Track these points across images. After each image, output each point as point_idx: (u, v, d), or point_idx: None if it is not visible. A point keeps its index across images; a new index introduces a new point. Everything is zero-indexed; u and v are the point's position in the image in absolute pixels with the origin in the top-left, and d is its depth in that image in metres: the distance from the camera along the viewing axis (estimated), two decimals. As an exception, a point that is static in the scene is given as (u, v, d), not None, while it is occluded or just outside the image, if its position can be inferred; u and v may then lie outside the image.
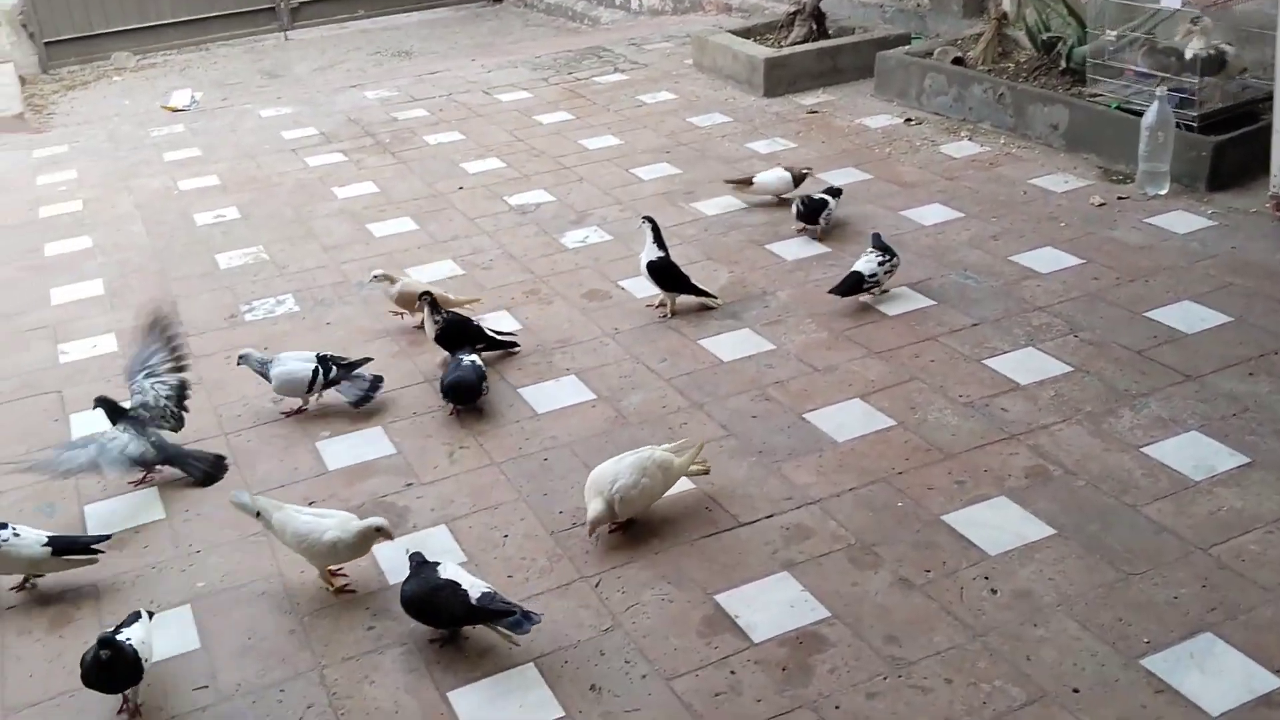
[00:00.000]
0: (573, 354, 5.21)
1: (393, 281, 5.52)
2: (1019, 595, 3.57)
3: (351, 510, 4.17)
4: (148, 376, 4.61)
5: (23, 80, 11.13)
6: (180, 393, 4.63)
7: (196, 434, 4.76)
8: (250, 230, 6.90)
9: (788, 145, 7.67)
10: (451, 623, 3.50)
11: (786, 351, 5.09)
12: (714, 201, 6.81)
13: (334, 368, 4.84)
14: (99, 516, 4.29)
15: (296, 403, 4.88)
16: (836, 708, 3.21)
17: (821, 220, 6.12)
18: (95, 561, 3.94)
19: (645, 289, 5.76)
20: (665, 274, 5.42)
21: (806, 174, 6.57)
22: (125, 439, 4.34)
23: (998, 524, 3.88)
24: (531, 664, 3.42)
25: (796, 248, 6.10)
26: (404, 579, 3.58)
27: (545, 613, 3.61)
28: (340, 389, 4.85)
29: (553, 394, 4.89)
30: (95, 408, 4.50)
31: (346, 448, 4.62)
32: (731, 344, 5.18)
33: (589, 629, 3.55)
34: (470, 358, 4.79)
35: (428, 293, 5.20)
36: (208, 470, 4.44)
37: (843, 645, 3.42)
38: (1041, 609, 3.50)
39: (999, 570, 3.67)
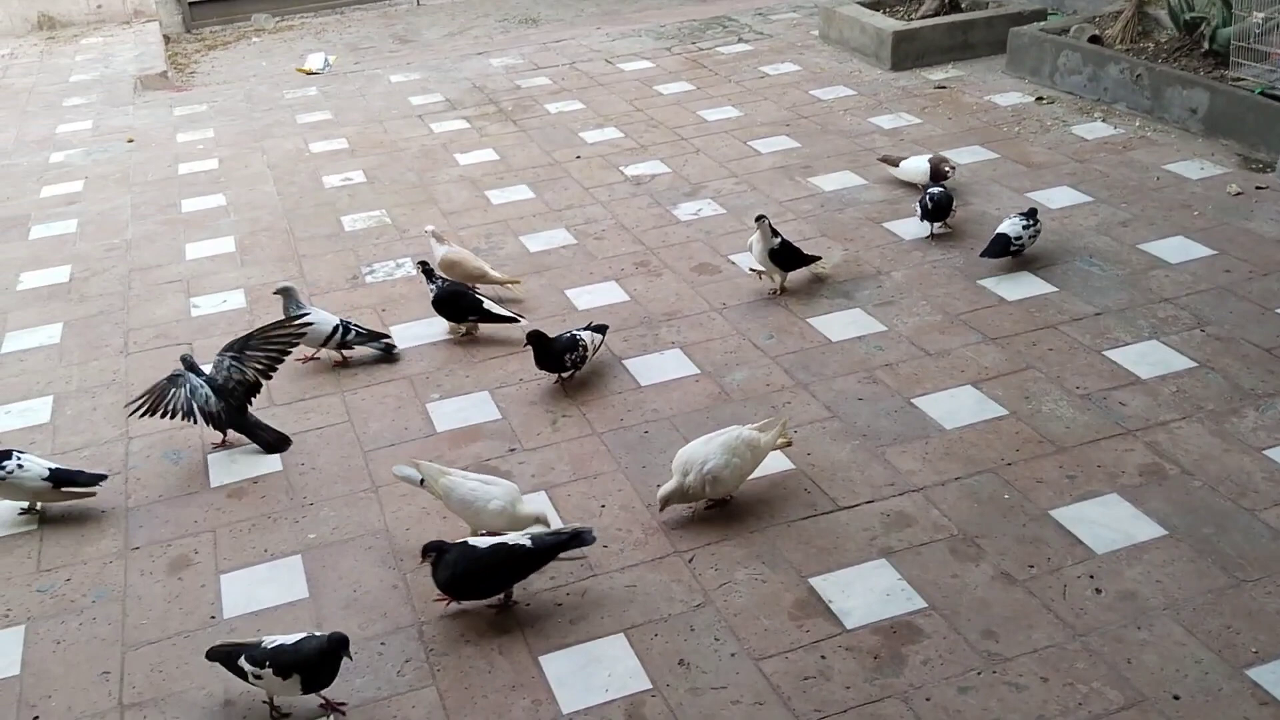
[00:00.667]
0: (679, 327, 5.22)
1: (441, 240, 5.67)
2: (1124, 596, 3.47)
3: (457, 473, 4.29)
4: (235, 359, 4.63)
5: (166, 39, 11.52)
6: (250, 389, 4.62)
7: (315, 389, 4.93)
8: (375, 194, 7.06)
9: (912, 121, 7.52)
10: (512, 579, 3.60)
11: (898, 333, 5.02)
12: (832, 177, 6.73)
13: (352, 330, 5.07)
14: (220, 465, 4.47)
15: (309, 351, 5.09)
16: (927, 700, 3.17)
17: (938, 223, 5.88)
18: (94, 494, 4.24)
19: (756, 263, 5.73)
20: (784, 255, 5.33)
21: (949, 173, 6.39)
22: (208, 392, 4.50)
23: (1107, 522, 3.78)
24: (622, 634, 3.46)
25: (915, 227, 5.99)
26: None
27: (639, 584, 3.65)
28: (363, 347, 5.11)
29: (657, 367, 4.92)
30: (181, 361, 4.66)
31: (454, 410, 4.72)
32: (841, 323, 5.13)
33: (680, 604, 3.57)
34: (578, 331, 4.82)
35: (423, 262, 5.39)
36: (273, 441, 4.55)
37: (937, 637, 3.38)
38: (1146, 611, 3.41)
39: (1105, 569, 3.58)
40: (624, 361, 4.97)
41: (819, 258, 5.49)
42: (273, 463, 4.47)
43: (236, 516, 4.16)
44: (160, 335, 5.52)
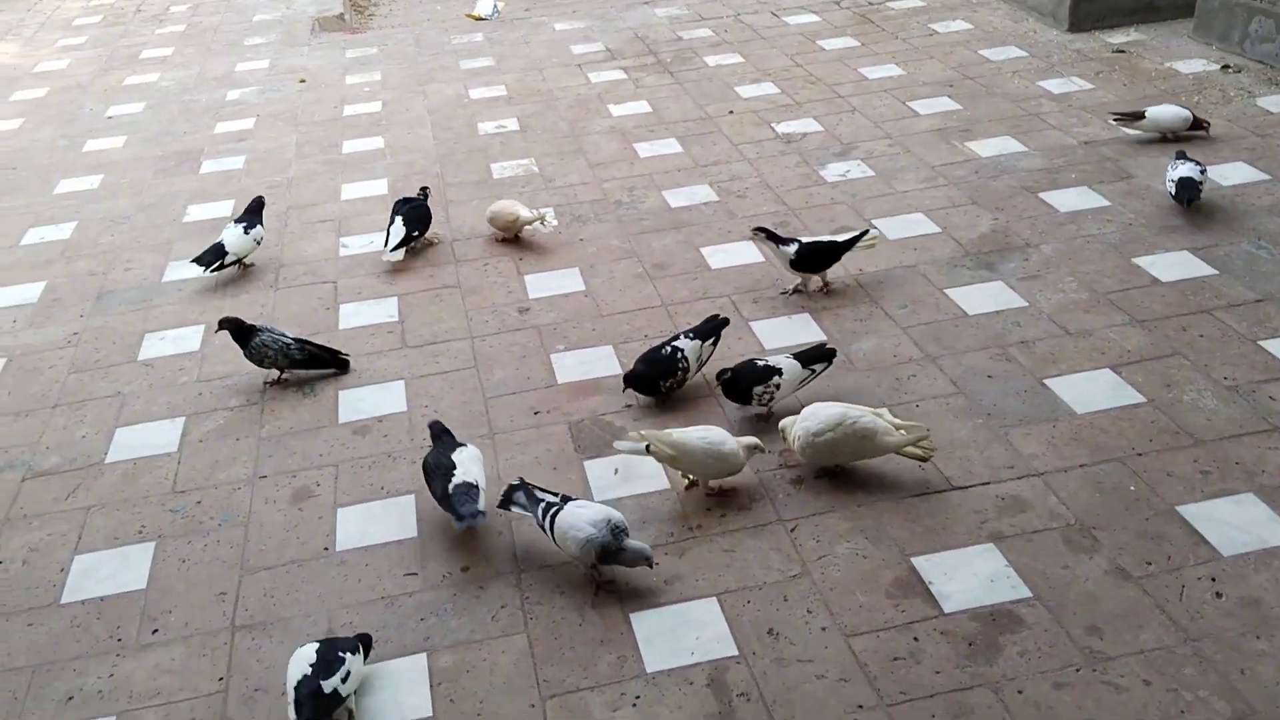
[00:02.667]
0: (811, 293, 5.11)
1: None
2: (1246, 603, 3.26)
3: (571, 425, 4.33)
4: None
5: (348, -17, 11.87)
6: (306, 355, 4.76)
7: (447, 334, 5.04)
8: (526, 142, 7.13)
9: (1084, 86, 7.14)
10: (435, 498, 3.84)
11: (1039, 310, 4.80)
12: (990, 142, 6.46)
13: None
14: (350, 402, 4.63)
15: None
16: (1019, 693, 3.06)
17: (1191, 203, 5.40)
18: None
19: (899, 230, 5.57)
20: (812, 259, 4.99)
21: (1208, 125, 6.05)
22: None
23: (1239, 523, 3.55)
24: (714, 599, 3.45)
25: (1074, 198, 5.71)
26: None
27: (737, 550, 3.63)
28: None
29: (783, 330, 4.84)
30: (218, 330, 4.78)
31: (577, 363, 4.76)
32: (980, 296, 4.94)
33: (777, 573, 3.53)
34: (680, 345, 4.43)
35: (424, 187, 5.94)
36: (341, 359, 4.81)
37: (1038, 629, 3.25)
38: (1269, 621, 3.19)
39: (1229, 573, 3.37)
40: (750, 324, 4.91)
41: (864, 233, 5.08)
42: (398, 402, 4.60)
43: (359, 453, 4.31)
44: (308, 272, 5.73)
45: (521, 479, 3.77)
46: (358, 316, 5.26)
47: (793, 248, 4.98)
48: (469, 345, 4.97)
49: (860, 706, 3.05)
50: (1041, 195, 5.79)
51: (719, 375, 4.28)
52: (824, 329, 4.82)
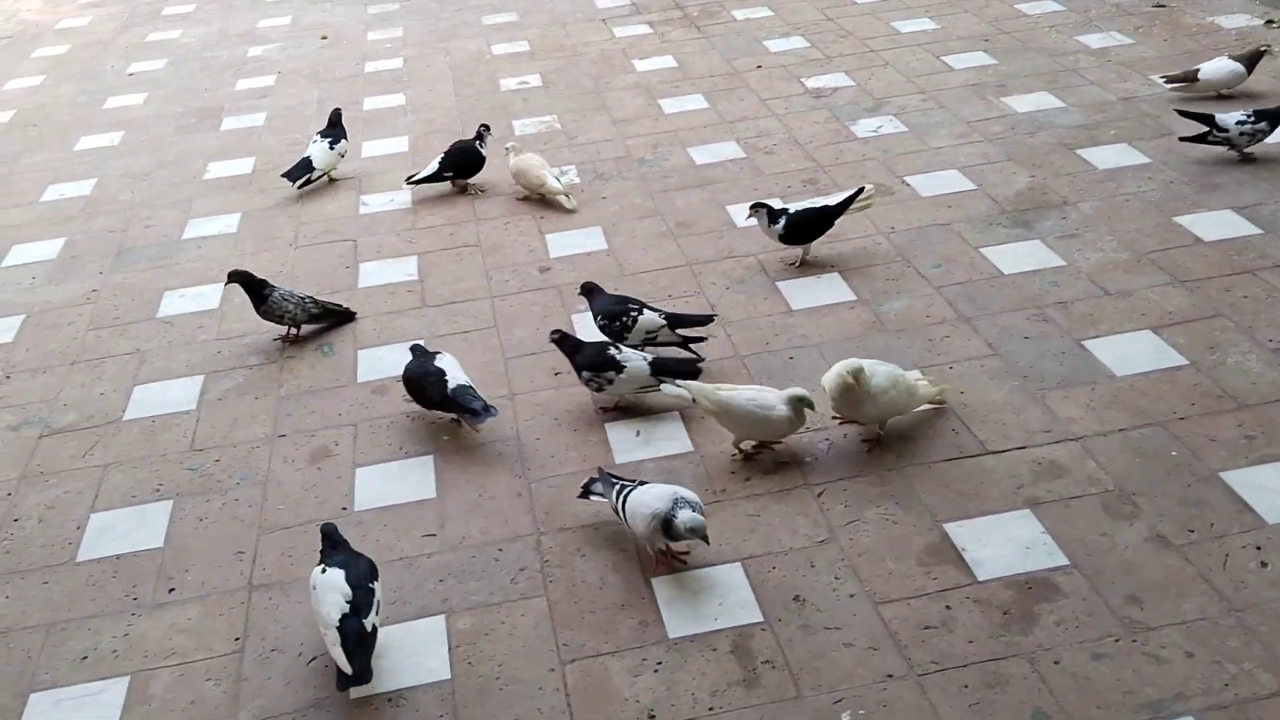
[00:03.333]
0: (840, 250, 4.99)
1: (518, 153, 5.71)
2: (1294, 574, 3.14)
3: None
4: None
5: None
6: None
7: (467, 294, 4.95)
8: (548, 99, 7.00)
9: (1123, 41, 6.93)
10: (432, 405, 3.99)
11: (1077, 270, 4.66)
12: (1027, 98, 6.27)
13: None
14: (369, 362, 4.55)
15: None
16: (1055, 663, 2.95)
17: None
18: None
19: (933, 187, 5.43)
20: (802, 228, 4.81)
21: (1264, 52, 5.87)
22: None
23: (1285, 490, 3.42)
24: (739, 564, 3.35)
25: (1113, 155, 5.54)
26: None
27: (762, 514, 3.53)
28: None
29: (811, 290, 4.72)
30: (228, 283, 4.70)
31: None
32: (1016, 255, 4.80)
33: (804, 538, 3.43)
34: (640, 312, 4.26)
35: (484, 125, 5.89)
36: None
37: (1076, 598, 3.14)
38: (1318, 593, 3.07)
39: (1275, 542, 3.24)
40: (777, 284, 4.79)
41: (858, 192, 4.87)
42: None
43: (377, 413, 4.23)
44: (328, 230, 5.64)
45: (599, 468, 3.62)
46: (378, 275, 5.18)
47: (780, 223, 4.75)
48: (489, 305, 4.87)
49: (890, 676, 2.96)
50: (1080, 152, 5.62)
51: (552, 333, 4.18)
52: (853, 288, 4.70)
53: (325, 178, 5.97)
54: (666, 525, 3.22)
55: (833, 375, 3.68)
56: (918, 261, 4.83)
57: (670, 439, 3.91)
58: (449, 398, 3.90)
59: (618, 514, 3.38)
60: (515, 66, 7.60)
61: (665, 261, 5.05)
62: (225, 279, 4.71)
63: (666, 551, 3.37)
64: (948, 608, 3.14)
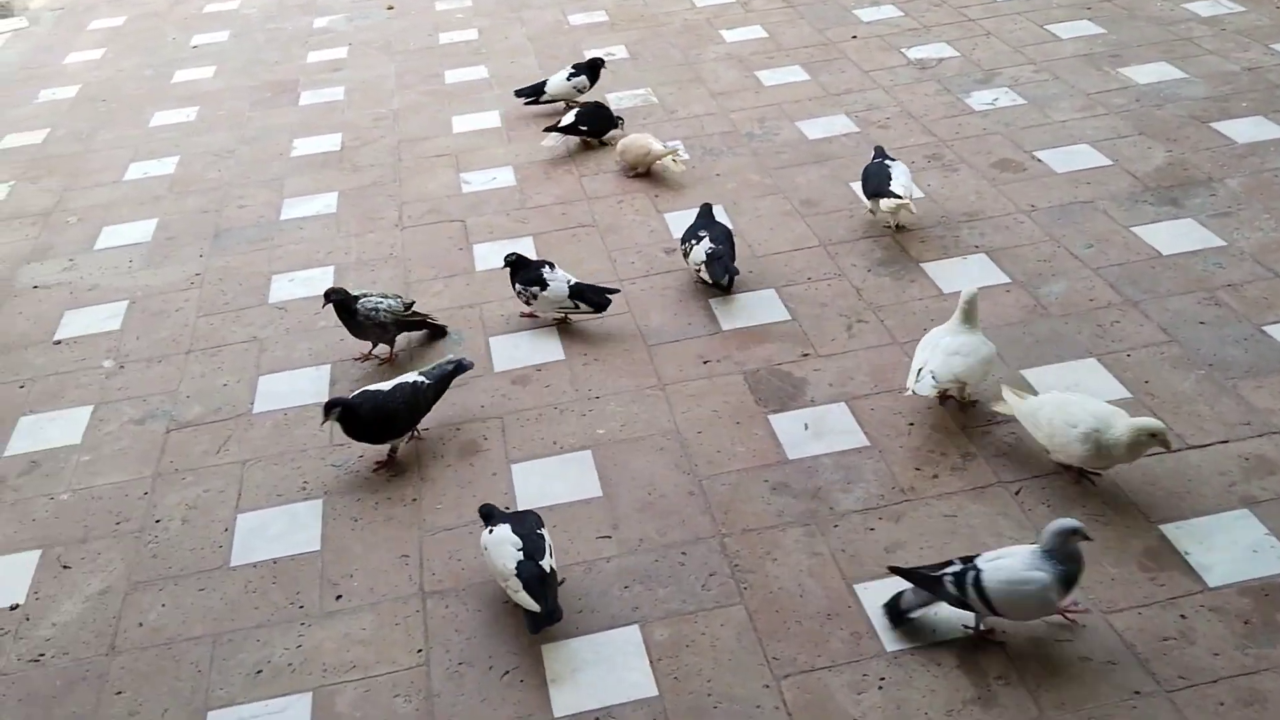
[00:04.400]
0: (982, 230, 4.77)
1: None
2: None
3: (746, 375, 4.04)
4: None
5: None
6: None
7: (592, 278, 4.72)
8: (638, 71, 6.76)
9: (1234, 9, 6.68)
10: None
11: (1240, 250, 4.45)
12: (1146, 68, 6.04)
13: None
14: (503, 350, 4.35)
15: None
16: (1308, 677, 2.77)
17: None
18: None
19: (1066, 162, 5.21)
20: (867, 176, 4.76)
21: None
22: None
23: None
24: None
25: (1250, 128, 5.32)
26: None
27: (960, 515, 3.34)
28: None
29: (960, 272, 4.51)
30: (325, 304, 4.29)
31: (739, 308, 4.45)
32: (1171, 235, 4.59)
33: (1010, 540, 3.24)
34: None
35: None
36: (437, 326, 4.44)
37: (1316, 605, 2.95)
38: None
39: None
40: (923, 265, 4.58)
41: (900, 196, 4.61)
42: (554, 350, 4.32)
43: (522, 405, 4.04)
44: (433, 210, 5.43)
45: (891, 568, 3.03)
46: (495, 257, 4.95)
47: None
48: (619, 289, 4.66)
49: (1137, 693, 2.78)
50: (1214, 125, 5.40)
51: (506, 256, 4.46)
52: (1005, 270, 4.49)
53: (564, 107, 6.04)
54: (1068, 581, 2.81)
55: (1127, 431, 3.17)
56: (1067, 241, 4.62)
57: (843, 432, 3.73)
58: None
59: (968, 605, 2.88)
60: (597, 37, 7.36)
61: (797, 242, 4.84)
62: (323, 299, 4.30)
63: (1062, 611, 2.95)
64: (1183, 617, 2.96)
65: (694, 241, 4.54)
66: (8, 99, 7.26)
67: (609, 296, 4.38)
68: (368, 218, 5.41)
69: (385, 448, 3.81)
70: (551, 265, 4.46)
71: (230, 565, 3.46)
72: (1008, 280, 4.42)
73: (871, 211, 4.87)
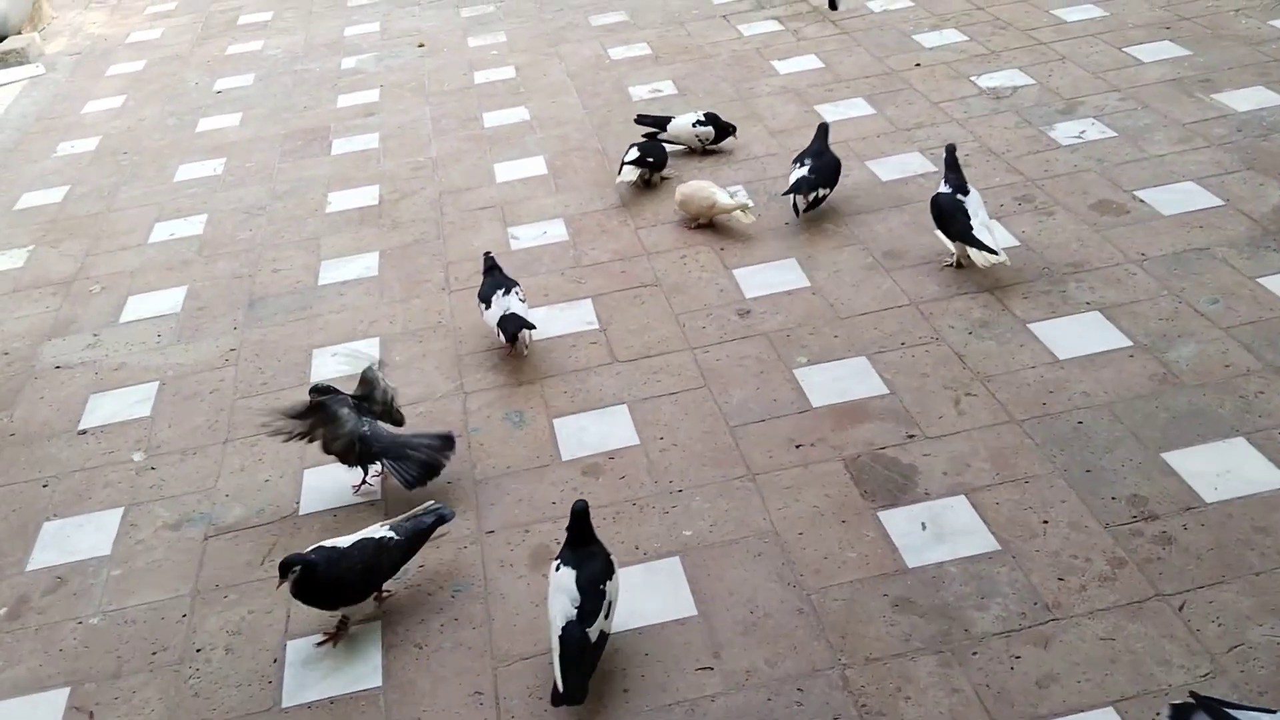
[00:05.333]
0: (1090, 283, 4.34)
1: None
2: None
3: (846, 462, 3.61)
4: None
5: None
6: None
7: (661, 345, 4.33)
8: (689, 107, 6.33)
9: (1330, 23, 6.22)
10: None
11: (1387, 304, 4.00)
12: (1243, 94, 5.60)
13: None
14: (569, 433, 3.94)
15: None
16: None
17: None
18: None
19: (1173, 204, 4.77)
20: (944, 215, 4.43)
21: None
22: (355, 417, 3.67)
23: None
24: (1110, 709, 2.73)
25: (1372, 161, 4.86)
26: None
27: (1118, 638, 2.90)
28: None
29: (1074, 334, 4.07)
30: (311, 394, 3.76)
31: (829, 380, 4.03)
32: (1304, 287, 4.14)
33: (1180, 670, 2.80)
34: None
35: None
36: (421, 469, 3.64)
37: None
38: None
39: None
40: (1030, 326, 4.15)
41: (995, 252, 4.27)
42: (627, 433, 3.91)
43: (597, 500, 3.61)
44: (481, 271, 5.01)
45: (1193, 694, 2.50)
46: (552, 323, 4.57)
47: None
48: (691, 358, 4.25)
49: None
50: (1330, 157, 4.95)
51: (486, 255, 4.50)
52: (1123, 330, 4.05)
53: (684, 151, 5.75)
54: None
55: None
56: (1189, 296, 4.18)
57: (967, 533, 3.29)
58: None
59: None
60: (641, 72, 6.97)
61: (884, 301, 4.42)
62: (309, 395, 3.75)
63: None
64: None
65: (795, 166, 5.00)
66: (25, 154, 6.93)
67: (525, 331, 4.26)
68: (412, 281, 5.02)
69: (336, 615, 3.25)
70: (513, 289, 4.34)
71: (282, 706, 3.05)
72: (1129, 343, 3.98)
73: (959, 262, 4.46)
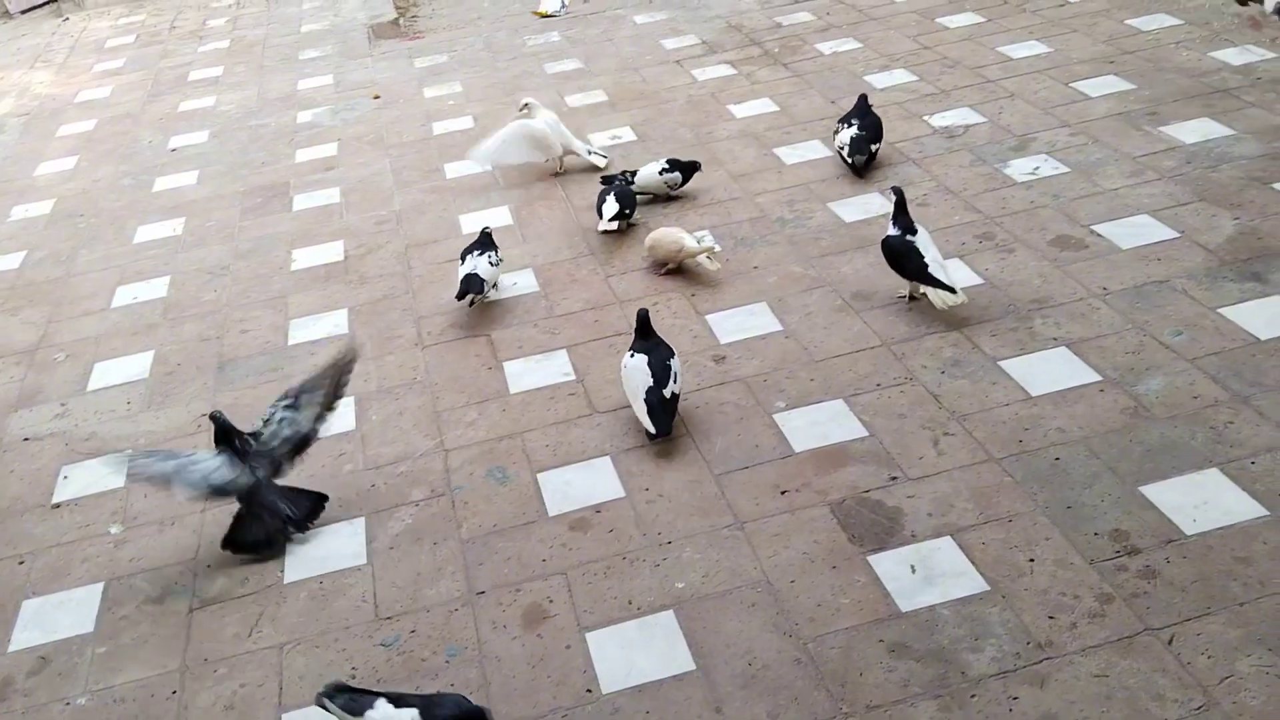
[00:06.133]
0: (1056, 319, 4.43)
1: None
2: None
3: (832, 506, 3.65)
4: (289, 408, 3.91)
5: (386, -17, 11.12)
6: (299, 445, 3.91)
7: (639, 395, 4.35)
8: (649, 154, 6.41)
9: (1267, 55, 6.43)
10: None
11: (1345, 330, 4.12)
12: (1189, 125, 5.75)
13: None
14: (554, 488, 3.95)
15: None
16: None
17: None
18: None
19: (1129, 237, 4.89)
20: (897, 256, 4.57)
21: None
22: (214, 464, 3.73)
23: None
24: (1113, 747, 2.78)
25: (1317, 190, 5.02)
26: None
27: (1111, 674, 2.95)
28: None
29: (1044, 370, 4.15)
30: (211, 420, 3.89)
31: (809, 424, 4.08)
32: (1264, 316, 4.26)
33: (1175, 705, 2.86)
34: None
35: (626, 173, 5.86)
36: (277, 529, 3.78)
37: None
38: None
39: None
40: (1000, 363, 4.23)
41: (952, 291, 4.42)
42: (612, 486, 3.92)
43: (586, 555, 3.63)
44: (454, 325, 5.03)
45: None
46: (528, 377, 4.58)
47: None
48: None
49: None
50: (1277, 187, 5.10)
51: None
52: (1091, 364, 4.14)
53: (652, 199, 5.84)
54: None
55: None
56: (1153, 329, 4.28)
57: (956, 574, 3.34)
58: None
59: None
60: (600, 119, 7.03)
61: (856, 342, 4.48)
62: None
63: None
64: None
65: (843, 126, 5.79)
66: (-21, 219, 6.84)
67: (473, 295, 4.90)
68: (384, 337, 5.01)
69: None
70: (485, 250, 5.01)
71: (281, 783, 3.02)
72: (1099, 378, 4.07)
73: (911, 295, 4.57)
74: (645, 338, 4.09)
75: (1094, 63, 6.69)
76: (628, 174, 5.79)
